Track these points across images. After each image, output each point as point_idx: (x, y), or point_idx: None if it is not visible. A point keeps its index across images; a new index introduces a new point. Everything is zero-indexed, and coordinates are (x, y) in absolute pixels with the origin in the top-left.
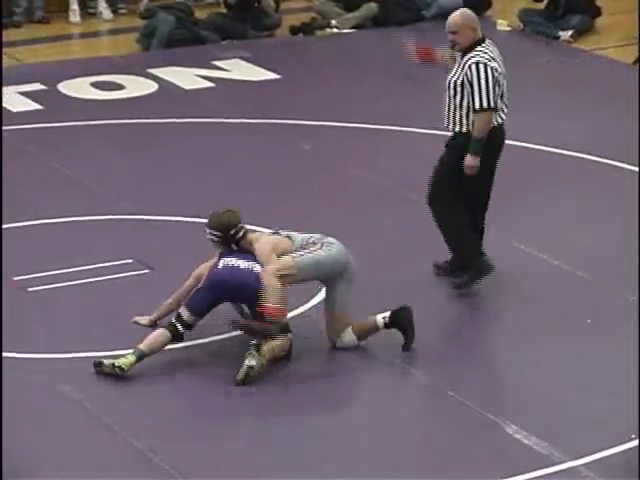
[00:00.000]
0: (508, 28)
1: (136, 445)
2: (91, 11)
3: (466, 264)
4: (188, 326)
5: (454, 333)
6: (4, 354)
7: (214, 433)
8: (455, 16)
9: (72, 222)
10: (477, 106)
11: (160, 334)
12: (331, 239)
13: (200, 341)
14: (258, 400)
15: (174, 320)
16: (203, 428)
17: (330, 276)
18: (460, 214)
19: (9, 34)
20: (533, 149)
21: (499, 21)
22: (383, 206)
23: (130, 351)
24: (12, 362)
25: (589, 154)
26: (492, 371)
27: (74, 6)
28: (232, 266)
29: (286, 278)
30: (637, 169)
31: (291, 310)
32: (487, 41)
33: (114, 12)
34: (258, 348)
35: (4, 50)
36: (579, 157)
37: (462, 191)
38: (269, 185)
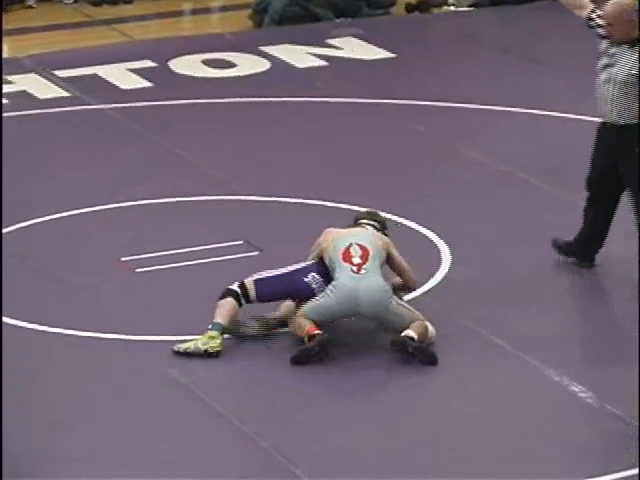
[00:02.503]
0: None
1: (244, 430)
2: None
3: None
4: (248, 301)
5: (576, 321)
6: (113, 335)
7: (322, 418)
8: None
9: (181, 202)
10: None
11: (226, 303)
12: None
13: None
14: (366, 385)
15: (237, 288)
16: (311, 413)
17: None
18: None
19: (119, 10)
20: None
21: None
22: (498, 190)
23: (211, 332)
24: (119, 344)
25: None
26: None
27: None
28: (315, 287)
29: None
30: None
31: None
32: None
33: None
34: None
35: (114, 26)
36: None
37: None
38: (380, 168)
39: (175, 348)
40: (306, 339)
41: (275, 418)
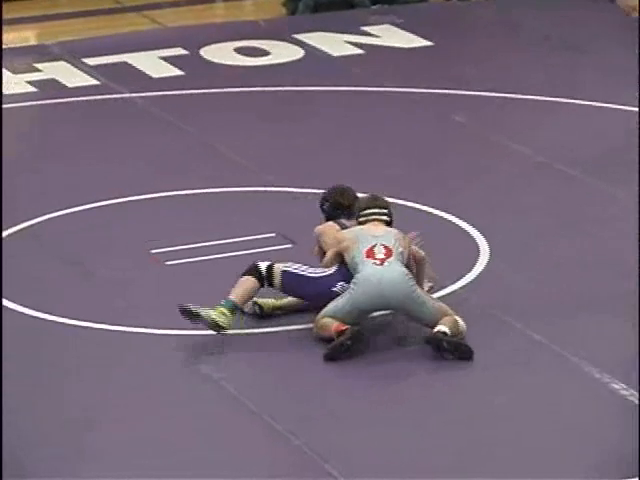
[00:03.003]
0: None
1: (276, 427)
2: None
3: None
4: (271, 285)
5: (617, 318)
6: (143, 330)
7: (356, 416)
8: None
9: (213, 194)
10: None
11: (246, 281)
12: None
13: None
14: (401, 382)
15: (264, 269)
16: (345, 411)
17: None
18: None
19: None
20: None
21: None
22: (537, 182)
23: (222, 308)
24: (150, 339)
25: None
26: None
27: None
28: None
29: None
30: None
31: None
32: None
33: None
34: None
35: (144, 12)
36: None
37: None
38: (416, 159)
39: (185, 305)
40: (335, 336)
41: (308, 416)
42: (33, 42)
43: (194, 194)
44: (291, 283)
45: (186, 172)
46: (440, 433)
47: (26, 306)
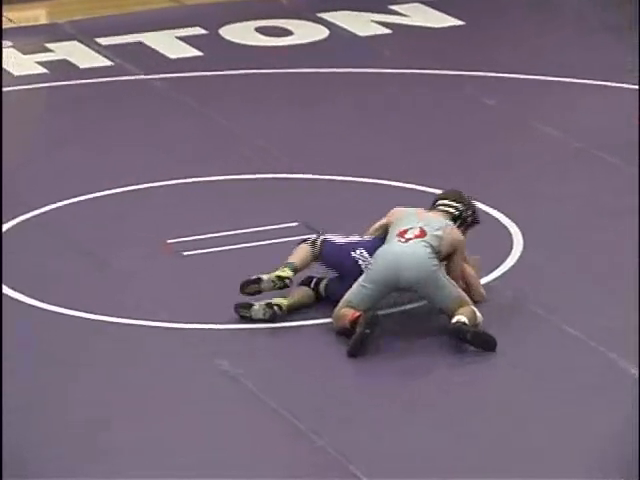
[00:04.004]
0: None
1: (298, 426)
2: None
3: None
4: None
5: None
6: (159, 323)
7: (381, 414)
8: None
9: (233, 181)
10: None
11: (302, 249)
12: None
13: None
14: (427, 379)
15: (317, 241)
16: (370, 409)
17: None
18: None
19: None
20: None
21: None
22: (574, 169)
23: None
24: (166, 333)
25: None
26: None
27: None
28: (362, 264)
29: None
30: None
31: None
32: None
33: None
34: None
35: None
36: None
37: None
38: (447, 144)
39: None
40: (349, 326)
41: (332, 414)
42: (44, 21)
43: (213, 181)
44: (326, 251)
45: (204, 158)
46: (466, 432)
47: (34, 298)
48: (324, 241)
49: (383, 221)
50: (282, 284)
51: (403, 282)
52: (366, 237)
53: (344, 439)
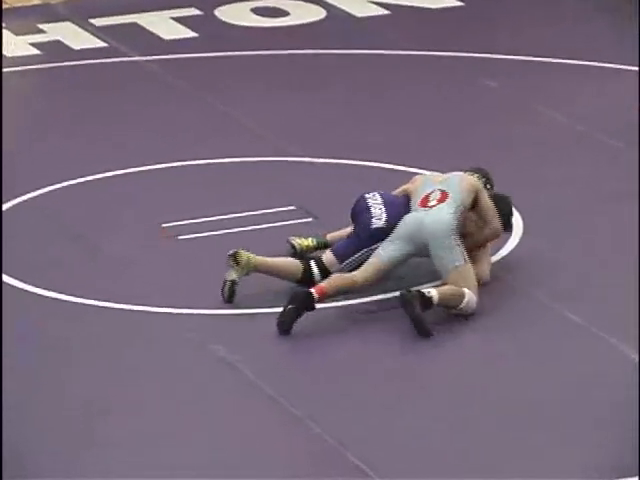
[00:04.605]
0: None
1: (295, 413)
2: None
3: None
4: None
5: None
6: (154, 309)
7: (379, 402)
8: None
9: (228, 164)
10: None
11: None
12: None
13: (360, 300)
14: (428, 365)
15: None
16: (368, 396)
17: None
18: None
19: None
20: None
21: None
22: (575, 153)
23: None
24: (161, 318)
25: None
26: None
27: None
28: (372, 203)
29: None
30: None
31: None
32: None
33: None
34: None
35: None
36: None
37: None
38: (447, 127)
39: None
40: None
41: (329, 401)
42: (37, 1)
43: (208, 164)
44: (342, 245)
45: (200, 141)
46: (464, 420)
47: (27, 283)
48: (332, 249)
49: (406, 186)
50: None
51: (424, 236)
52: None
53: (341, 426)
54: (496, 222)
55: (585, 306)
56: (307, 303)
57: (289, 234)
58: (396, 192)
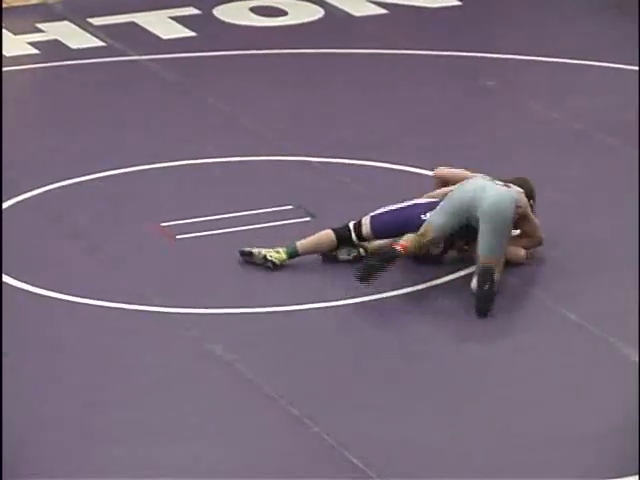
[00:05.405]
0: None
1: (293, 413)
2: None
3: None
4: (361, 239)
5: None
6: (152, 308)
7: (379, 402)
8: None
9: (227, 163)
10: None
11: (324, 235)
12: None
13: (360, 300)
14: (429, 365)
15: (351, 226)
16: (367, 396)
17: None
18: None
19: None
20: None
21: None
22: (575, 152)
23: (280, 248)
24: (159, 317)
25: None
26: None
27: None
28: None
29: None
30: None
31: None
32: None
33: None
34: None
35: None
36: None
37: None
38: (443, 127)
39: (242, 249)
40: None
41: (327, 400)
42: (35, 1)
43: (207, 163)
44: (381, 221)
45: (199, 140)
46: (465, 419)
47: (26, 282)
48: (373, 217)
49: (450, 187)
50: (265, 262)
51: (480, 206)
52: (421, 200)
53: (340, 426)
54: (539, 234)
55: (585, 306)
56: (391, 257)
57: (288, 233)
58: (438, 192)
